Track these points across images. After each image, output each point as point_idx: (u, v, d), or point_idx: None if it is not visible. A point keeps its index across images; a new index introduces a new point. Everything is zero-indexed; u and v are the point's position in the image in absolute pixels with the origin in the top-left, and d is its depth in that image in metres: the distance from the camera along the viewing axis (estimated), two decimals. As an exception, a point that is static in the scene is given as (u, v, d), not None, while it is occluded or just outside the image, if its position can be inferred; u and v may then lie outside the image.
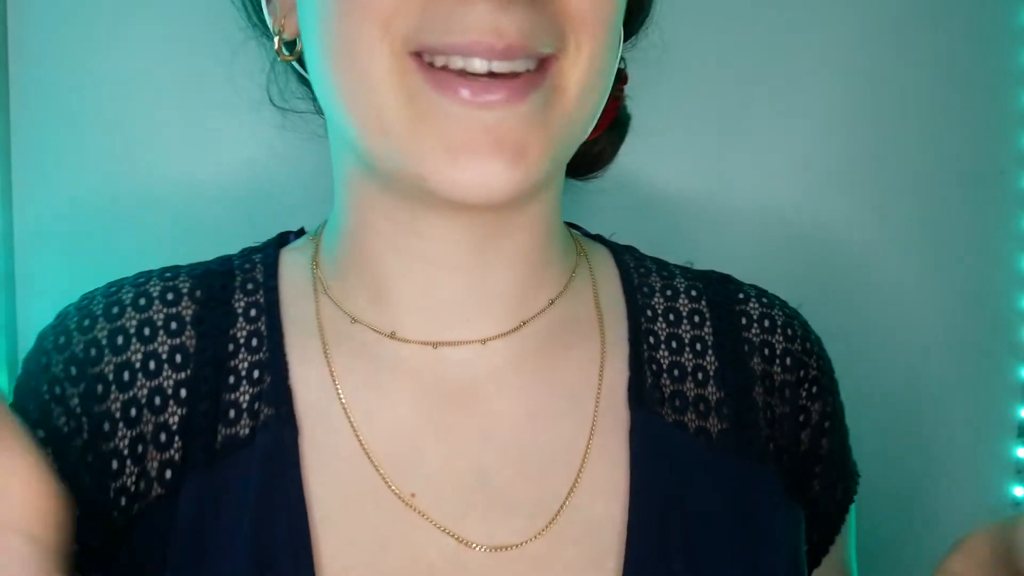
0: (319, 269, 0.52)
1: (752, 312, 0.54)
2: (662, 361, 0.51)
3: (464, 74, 0.40)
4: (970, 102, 0.80)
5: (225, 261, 0.54)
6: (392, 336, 0.49)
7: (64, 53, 0.81)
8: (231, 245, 0.58)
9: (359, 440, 0.47)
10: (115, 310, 0.50)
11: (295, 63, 0.51)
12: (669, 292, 0.54)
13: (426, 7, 0.40)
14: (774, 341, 0.53)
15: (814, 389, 0.54)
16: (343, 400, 0.48)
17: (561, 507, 0.46)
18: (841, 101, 0.80)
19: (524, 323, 0.50)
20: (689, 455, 0.49)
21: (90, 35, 0.81)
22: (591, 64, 0.42)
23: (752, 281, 0.58)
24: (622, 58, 0.58)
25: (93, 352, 0.48)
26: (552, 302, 0.51)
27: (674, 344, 0.52)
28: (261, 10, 0.51)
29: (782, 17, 0.79)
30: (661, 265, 0.57)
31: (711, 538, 0.47)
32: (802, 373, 0.54)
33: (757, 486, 0.50)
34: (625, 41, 0.52)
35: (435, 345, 0.49)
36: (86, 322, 0.50)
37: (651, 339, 0.52)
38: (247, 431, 0.47)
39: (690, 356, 0.52)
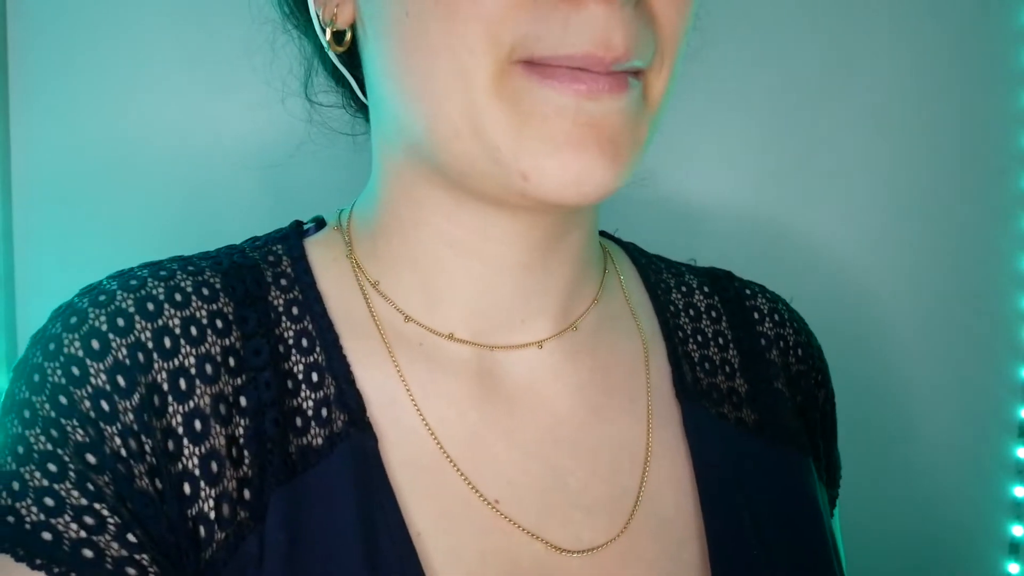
0: (360, 263, 0.49)
1: (762, 307, 0.56)
2: (693, 355, 0.52)
3: (570, 68, 0.39)
4: (970, 102, 0.80)
5: (240, 253, 0.49)
6: (451, 337, 0.47)
7: (64, 51, 0.81)
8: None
9: (440, 446, 0.45)
10: (150, 306, 0.44)
11: (331, 55, 0.48)
12: (684, 288, 0.55)
13: (538, 16, 0.39)
14: (786, 334, 0.56)
15: (819, 377, 0.57)
16: (417, 405, 0.46)
17: (636, 503, 0.47)
18: (841, 101, 0.80)
19: (575, 323, 0.50)
20: (737, 444, 0.50)
21: (90, 32, 0.81)
22: (671, 75, 0.43)
23: (761, 279, 0.59)
24: None
25: (142, 357, 0.42)
26: (596, 300, 0.51)
27: (699, 339, 0.53)
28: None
29: (778, 18, 0.79)
30: (668, 263, 0.57)
31: (773, 521, 0.48)
32: (811, 363, 0.56)
33: (797, 471, 0.52)
34: None
35: (492, 348, 0.48)
36: (120, 321, 0.43)
37: (680, 334, 0.53)
38: (320, 440, 0.44)
39: (715, 350, 0.53)
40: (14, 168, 0.81)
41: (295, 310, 0.47)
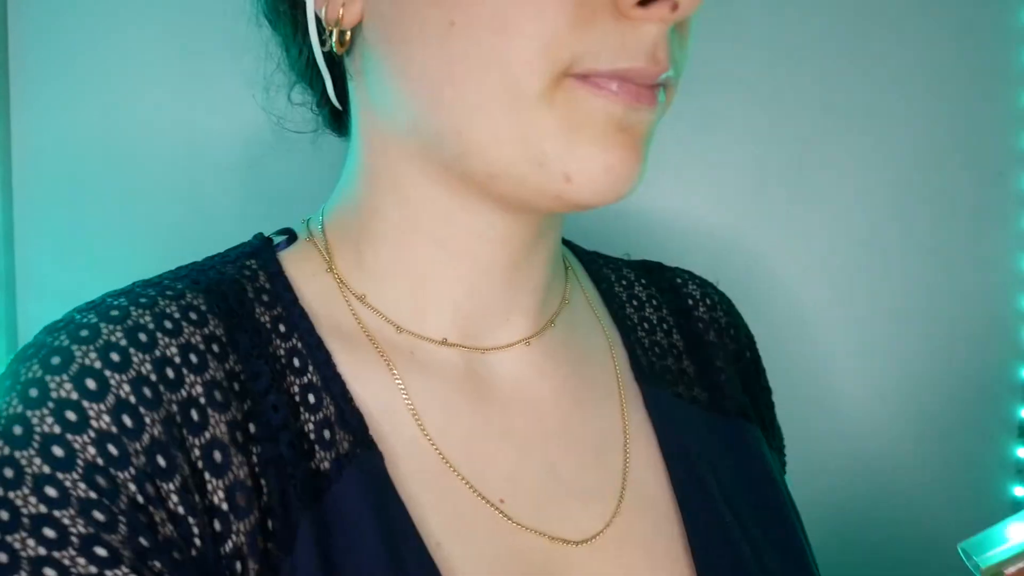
0: (343, 274, 0.48)
1: (694, 292, 0.60)
2: (644, 341, 0.55)
3: (626, 82, 0.41)
4: (970, 102, 0.80)
5: (214, 270, 0.47)
6: (444, 343, 0.48)
7: (64, 51, 0.81)
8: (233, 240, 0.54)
9: (441, 455, 0.46)
10: (143, 337, 0.41)
11: (316, 54, 0.47)
12: (624, 282, 0.58)
13: (597, 34, 0.40)
14: (718, 316, 0.59)
15: (750, 353, 0.60)
16: (415, 414, 0.46)
17: (623, 486, 0.49)
18: (840, 101, 0.80)
19: (552, 319, 0.52)
20: (694, 420, 0.53)
21: (90, 32, 0.81)
22: (677, 87, 0.45)
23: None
24: None
25: (149, 393, 0.39)
26: (566, 298, 0.53)
27: (646, 326, 0.56)
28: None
29: (777, 18, 0.79)
30: (605, 257, 0.60)
31: (738, 488, 0.51)
32: (743, 341, 0.60)
33: (752, 440, 0.55)
34: None
35: (483, 351, 0.49)
36: (114, 356, 0.40)
37: (628, 322, 0.56)
38: (327, 464, 0.42)
39: (661, 336, 0.56)
40: (15, 168, 0.81)
41: (282, 327, 0.45)
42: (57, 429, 0.37)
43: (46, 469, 0.36)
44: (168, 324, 0.42)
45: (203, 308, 0.43)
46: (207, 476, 0.39)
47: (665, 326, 0.57)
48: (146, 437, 0.38)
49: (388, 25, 0.43)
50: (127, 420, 0.38)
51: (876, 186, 0.81)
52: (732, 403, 0.56)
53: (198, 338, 0.42)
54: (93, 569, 0.35)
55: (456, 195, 0.45)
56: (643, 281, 0.59)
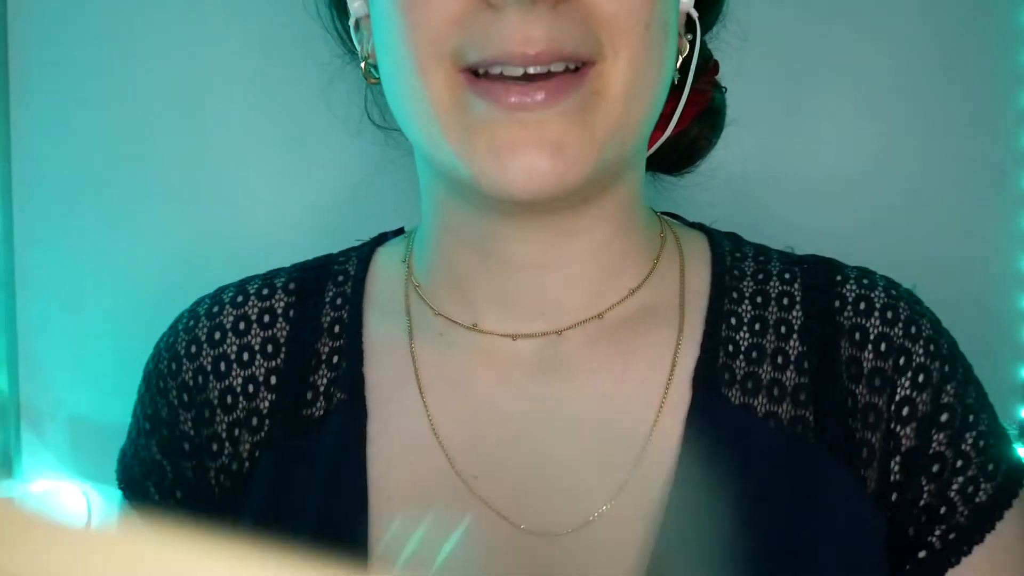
0: (411, 266, 0.55)
1: (848, 294, 0.52)
2: (740, 343, 0.50)
3: (504, 78, 0.43)
4: (970, 102, 0.80)
5: (324, 258, 0.58)
6: (473, 327, 0.51)
7: (64, 51, 0.81)
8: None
9: (431, 423, 0.50)
10: (215, 308, 0.54)
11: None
12: (761, 276, 0.53)
13: (466, 26, 0.43)
14: (868, 325, 0.50)
15: (920, 378, 0.49)
16: (421, 387, 0.51)
17: (619, 491, 0.47)
18: (840, 100, 0.80)
19: (602, 313, 0.51)
20: (751, 438, 0.48)
21: (90, 32, 0.81)
22: (631, 68, 0.44)
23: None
24: (707, 48, 0.59)
25: (193, 348, 0.53)
26: (632, 292, 0.52)
27: (757, 326, 0.51)
28: (352, 37, 0.54)
29: (776, 17, 0.79)
30: (760, 250, 0.56)
31: (760, 524, 0.46)
32: (902, 361, 0.50)
33: (824, 477, 0.48)
34: (703, 35, 0.53)
35: (514, 337, 0.50)
36: (191, 322, 0.54)
37: (732, 320, 0.51)
38: (321, 412, 0.51)
39: (772, 338, 0.51)
40: (14, 168, 0.81)
41: (339, 301, 0.54)
42: (160, 353, 0.55)
43: (152, 372, 0.55)
44: (239, 298, 0.55)
45: (278, 285, 0.55)
46: (218, 411, 0.52)
47: (784, 328, 0.51)
48: (183, 377, 0.53)
49: (378, 50, 0.49)
50: (173, 366, 0.54)
51: (875, 186, 0.81)
52: (828, 430, 0.48)
53: (255, 310, 0.54)
54: (165, 419, 0.53)
55: (464, 199, 0.48)
56: (786, 276, 0.53)
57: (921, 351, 0.50)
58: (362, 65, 0.52)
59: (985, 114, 0.80)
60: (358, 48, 0.52)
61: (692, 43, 0.52)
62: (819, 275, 0.53)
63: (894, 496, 0.49)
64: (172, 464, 0.53)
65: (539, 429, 0.49)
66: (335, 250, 0.59)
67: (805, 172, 0.81)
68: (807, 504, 0.47)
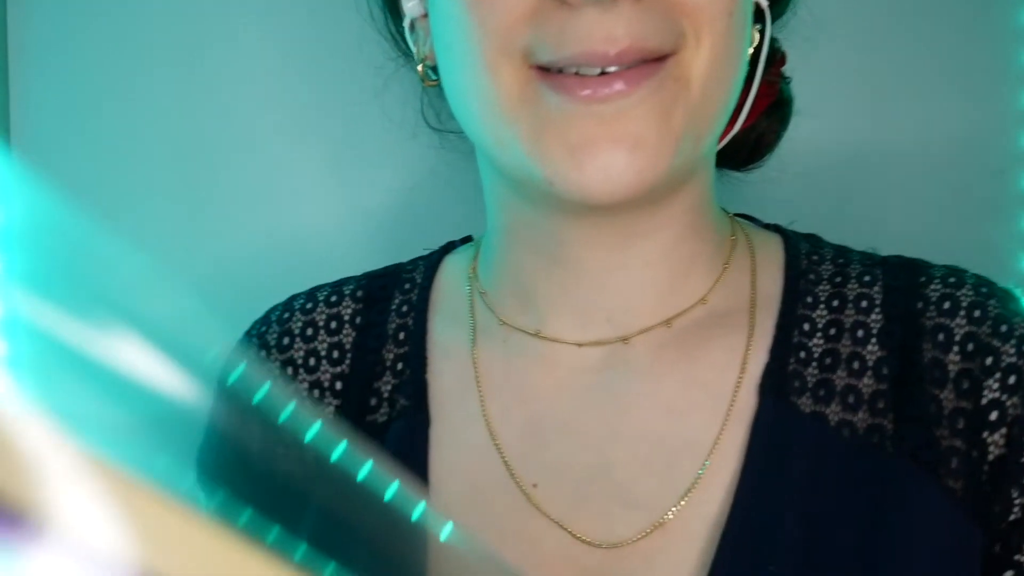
0: (476, 273, 0.55)
1: (931, 295, 0.49)
2: (814, 349, 0.48)
3: (579, 76, 0.41)
4: (970, 102, 0.80)
5: (393, 266, 0.59)
6: (537, 335, 0.50)
7: (64, 50, 0.81)
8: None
9: (490, 431, 0.49)
10: (285, 315, 0.56)
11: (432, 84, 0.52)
12: (839, 278, 0.51)
13: (538, 24, 0.41)
14: (953, 325, 0.47)
15: (1011, 380, 0.46)
16: (481, 394, 0.50)
17: (681, 502, 0.46)
18: (841, 100, 0.80)
19: (669, 320, 0.49)
20: (822, 449, 0.46)
21: (91, 32, 0.81)
22: (713, 55, 0.42)
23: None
24: (775, 38, 0.57)
25: (263, 352, 0.55)
26: (704, 300, 0.50)
27: (832, 331, 0.49)
28: (407, 38, 0.53)
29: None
30: (840, 252, 0.53)
31: (830, 540, 0.44)
32: (990, 361, 0.46)
33: (905, 490, 0.45)
34: (774, 22, 0.52)
35: (579, 345, 0.49)
36: (263, 327, 0.56)
37: (805, 326, 0.49)
38: (384, 418, 0.51)
39: (848, 343, 0.48)
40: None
41: (404, 308, 0.54)
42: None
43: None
44: (308, 305, 0.56)
45: (346, 293, 0.56)
46: None
47: (861, 332, 0.48)
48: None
49: (437, 50, 0.48)
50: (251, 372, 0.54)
51: (875, 186, 0.81)
52: (910, 439, 0.45)
53: (323, 317, 0.55)
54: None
55: (527, 200, 0.47)
56: (866, 279, 0.50)
57: (1012, 351, 0.46)
58: (419, 68, 0.51)
59: (985, 114, 0.80)
60: (414, 50, 0.52)
61: (762, 33, 0.51)
62: (902, 276, 0.50)
63: (982, 509, 0.45)
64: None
65: (601, 438, 0.48)
66: (387, 255, 0.60)
67: (801, 172, 0.81)
68: (885, 519, 0.44)
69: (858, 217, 0.80)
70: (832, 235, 0.58)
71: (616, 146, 0.40)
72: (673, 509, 0.46)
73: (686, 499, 0.46)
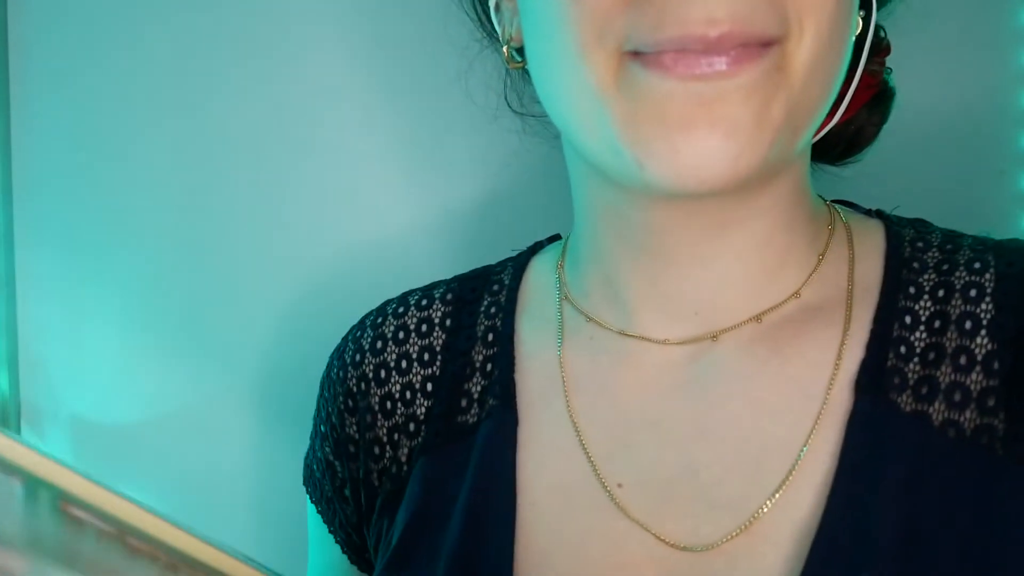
0: (563, 270, 0.55)
1: None
2: (915, 344, 0.45)
3: (679, 52, 0.39)
4: (970, 102, 0.80)
5: (482, 268, 0.59)
6: (622, 333, 0.50)
7: (65, 50, 0.81)
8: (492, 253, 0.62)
9: (576, 431, 0.49)
10: (379, 319, 0.58)
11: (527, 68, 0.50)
12: (946, 266, 0.48)
13: (636, 7, 0.39)
14: None
15: None
16: (567, 393, 0.50)
17: (768, 503, 0.44)
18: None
19: (760, 316, 0.47)
20: (924, 450, 0.43)
21: (92, 32, 0.81)
22: (817, 44, 0.40)
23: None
24: (880, 27, 0.55)
25: (358, 357, 0.57)
26: (796, 294, 0.48)
27: (937, 324, 0.46)
28: (492, 18, 0.52)
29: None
30: (949, 237, 0.50)
31: (931, 547, 0.41)
32: None
33: (1018, 495, 0.41)
34: (879, 9, 0.50)
35: (664, 342, 0.49)
36: (359, 332, 0.58)
37: (907, 318, 0.46)
38: (474, 419, 0.52)
39: (954, 335, 0.45)
40: (15, 168, 0.81)
41: (493, 309, 0.55)
42: (333, 360, 0.59)
43: (325, 379, 0.59)
44: (400, 309, 0.57)
45: (436, 296, 0.57)
46: (379, 416, 0.55)
47: (969, 324, 0.45)
48: (347, 385, 0.57)
49: (525, 32, 0.46)
50: (341, 373, 0.57)
51: (874, 186, 0.81)
52: (1023, 444, 0.42)
53: (413, 320, 0.56)
54: (335, 423, 0.58)
55: (614, 188, 0.46)
56: (976, 266, 0.47)
57: None
58: (504, 49, 0.50)
59: (985, 114, 0.80)
60: (499, 30, 0.50)
61: (866, 20, 0.48)
62: (1017, 262, 0.46)
63: None
64: (342, 465, 0.57)
65: (687, 437, 0.46)
66: (469, 245, 0.62)
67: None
68: (994, 527, 0.40)
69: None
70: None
71: (712, 130, 0.38)
72: (760, 511, 0.44)
73: (774, 500, 0.44)
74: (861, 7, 0.48)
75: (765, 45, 0.39)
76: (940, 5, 0.79)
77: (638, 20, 0.39)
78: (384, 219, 0.79)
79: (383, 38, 0.78)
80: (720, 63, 0.38)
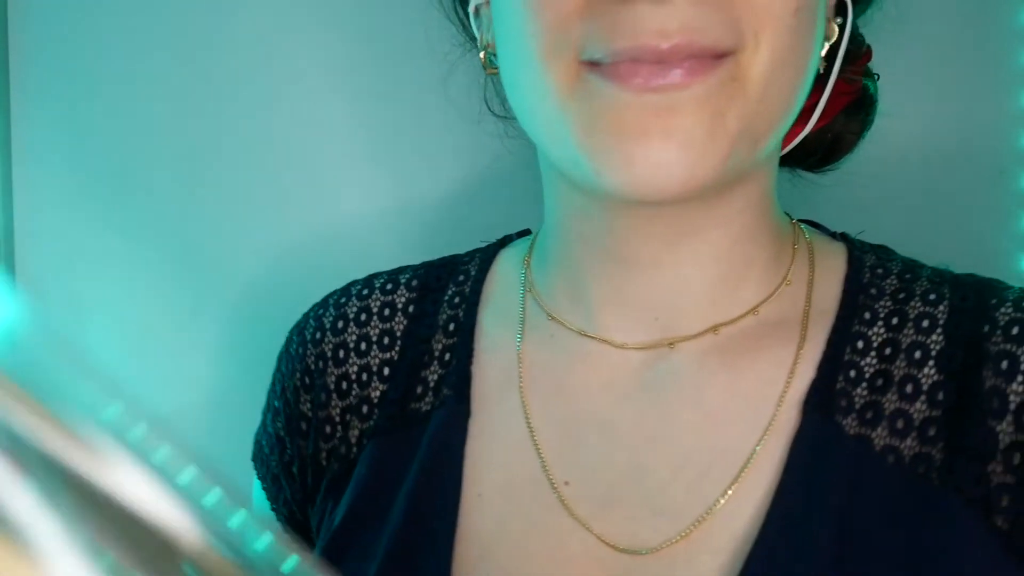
0: (530, 267, 0.55)
1: (1000, 318, 0.45)
2: (865, 369, 0.46)
3: (633, 62, 0.39)
4: (970, 102, 0.80)
5: (450, 257, 0.59)
6: (582, 333, 0.50)
7: (65, 50, 0.81)
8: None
9: (529, 426, 0.50)
10: (343, 299, 0.57)
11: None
12: (903, 295, 0.48)
13: (591, 17, 0.40)
14: (1019, 352, 0.44)
15: None
16: (523, 388, 0.51)
17: (709, 512, 0.45)
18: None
19: (718, 327, 0.48)
20: (864, 473, 0.43)
21: (92, 32, 0.81)
22: (773, 56, 0.40)
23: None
24: (858, 34, 0.55)
25: (318, 335, 0.56)
26: (754, 309, 0.49)
27: (888, 351, 0.46)
28: (472, 24, 0.52)
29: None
30: (909, 267, 0.51)
31: (863, 569, 0.42)
32: None
33: (947, 524, 0.42)
34: (856, 18, 0.50)
35: (623, 346, 0.49)
36: (320, 310, 0.58)
37: (859, 343, 0.47)
38: (428, 407, 0.52)
39: (903, 364, 0.46)
40: (15, 168, 0.82)
41: (457, 300, 0.55)
42: (292, 338, 0.59)
43: (284, 356, 0.59)
44: (365, 291, 0.57)
45: (402, 282, 0.57)
46: (334, 396, 0.55)
47: (918, 354, 0.46)
48: (305, 362, 0.56)
49: (496, 39, 0.47)
50: (300, 349, 0.57)
51: (874, 186, 0.81)
52: (959, 473, 0.42)
53: (377, 303, 0.56)
54: (291, 400, 0.57)
55: (577, 191, 0.47)
56: (932, 297, 0.48)
57: None
58: (481, 55, 0.51)
59: (985, 114, 0.80)
60: (477, 36, 0.51)
61: (842, 28, 0.48)
62: (971, 297, 0.47)
63: None
64: (292, 442, 0.57)
65: (637, 441, 0.47)
66: (447, 245, 0.60)
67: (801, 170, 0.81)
68: (924, 554, 0.41)
69: (857, 217, 0.81)
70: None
71: (667, 141, 0.39)
72: (702, 519, 0.44)
73: (715, 510, 0.44)
74: (837, 14, 0.48)
75: (719, 57, 0.39)
76: (940, 5, 0.79)
77: (593, 30, 0.40)
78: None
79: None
80: (674, 75, 0.39)
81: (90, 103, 0.80)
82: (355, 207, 0.80)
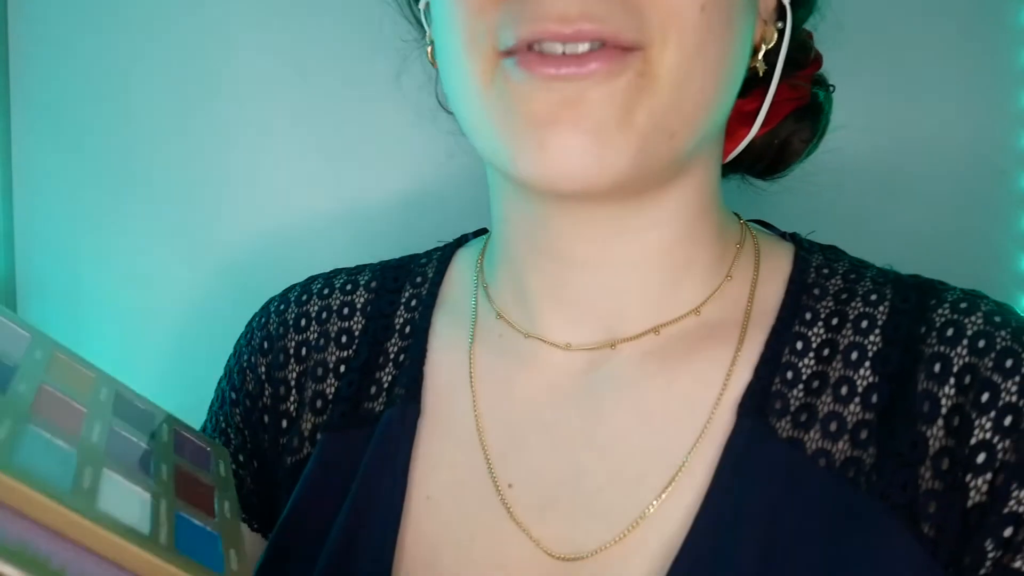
0: (482, 267, 0.55)
1: (936, 320, 0.45)
2: (803, 370, 0.46)
3: (541, 54, 0.40)
4: (970, 102, 0.80)
5: (408, 257, 0.59)
6: (527, 334, 0.50)
7: (65, 51, 0.81)
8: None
9: (478, 427, 0.50)
10: (304, 297, 0.58)
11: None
12: (845, 295, 0.48)
13: (505, 7, 0.41)
14: (952, 355, 0.43)
15: (1006, 421, 0.41)
16: (474, 389, 0.51)
17: (642, 517, 0.44)
18: (839, 101, 0.80)
19: (658, 328, 0.48)
20: (793, 477, 0.43)
21: (92, 32, 0.81)
22: (681, 53, 0.40)
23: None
24: (806, 41, 0.54)
25: (281, 330, 0.57)
26: (696, 310, 0.48)
27: (826, 352, 0.46)
28: (422, 20, 0.52)
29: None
30: (856, 267, 0.50)
31: (786, 572, 0.41)
32: (986, 397, 0.42)
33: (872, 530, 0.41)
34: (796, 25, 0.49)
35: (566, 347, 0.49)
36: (282, 307, 0.58)
37: (799, 344, 0.46)
38: (380, 407, 0.52)
39: (839, 365, 0.45)
40: (15, 168, 0.82)
41: (413, 302, 0.56)
42: (253, 331, 0.59)
43: (245, 348, 0.58)
44: (326, 290, 0.58)
45: (361, 282, 0.57)
46: (292, 391, 0.55)
47: (855, 355, 0.45)
48: (271, 356, 0.56)
49: (433, 33, 0.48)
50: (265, 344, 0.57)
51: (875, 186, 0.81)
52: (887, 477, 0.42)
53: (337, 302, 0.57)
54: (252, 393, 0.57)
55: (512, 186, 0.47)
56: (873, 298, 0.47)
57: (1014, 389, 0.42)
58: (428, 49, 0.51)
59: (985, 114, 0.80)
60: (426, 31, 0.51)
61: (781, 33, 0.48)
62: (912, 298, 0.46)
63: (955, 559, 0.42)
64: (251, 434, 0.57)
65: (577, 444, 0.47)
66: (402, 241, 0.61)
67: (801, 170, 0.81)
68: (847, 560, 0.41)
69: (857, 217, 0.81)
70: (828, 236, 0.57)
71: (575, 129, 0.39)
72: (636, 523, 0.44)
73: (648, 514, 0.44)
74: (780, 19, 0.48)
75: (626, 50, 0.40)
76: (940, 5, 0.79)
77: (505, 19, 0.40)
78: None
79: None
80: (582, 63, 0.39)
81: (90, 103, 0.80)
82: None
